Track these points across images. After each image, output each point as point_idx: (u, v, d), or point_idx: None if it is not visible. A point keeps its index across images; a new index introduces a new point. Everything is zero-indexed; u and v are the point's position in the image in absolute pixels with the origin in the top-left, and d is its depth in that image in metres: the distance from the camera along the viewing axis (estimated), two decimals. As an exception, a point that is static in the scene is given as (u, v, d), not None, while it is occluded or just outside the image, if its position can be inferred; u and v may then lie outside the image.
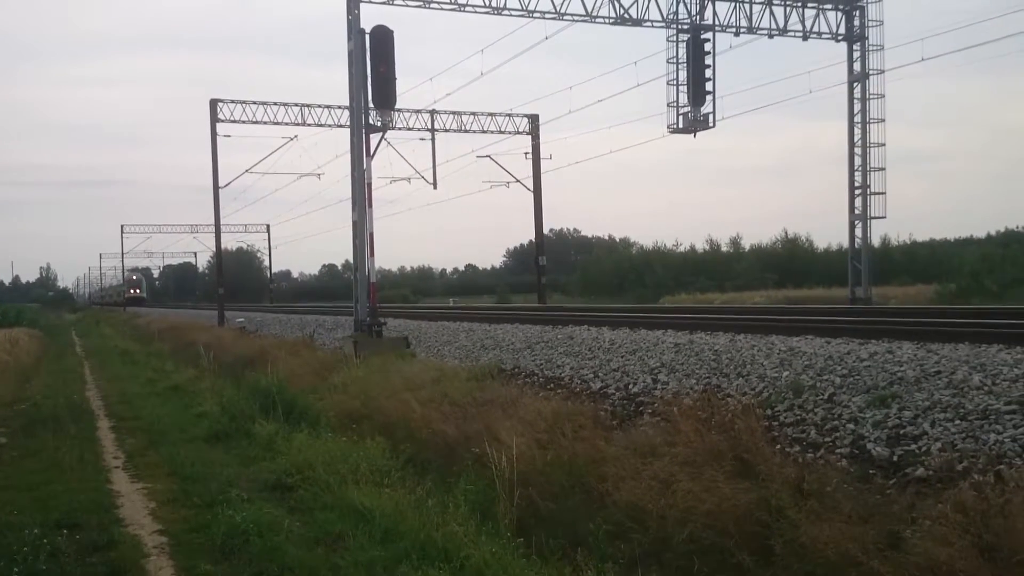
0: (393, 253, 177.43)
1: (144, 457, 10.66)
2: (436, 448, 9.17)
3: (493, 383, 11.40)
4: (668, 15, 23.50)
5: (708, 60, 23.74)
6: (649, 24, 23.33)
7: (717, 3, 23.93)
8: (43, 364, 26.54)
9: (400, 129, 35.48)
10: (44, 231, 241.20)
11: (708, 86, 23.77)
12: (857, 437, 6.81)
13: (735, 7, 24.15)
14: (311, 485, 8.19)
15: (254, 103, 35.93)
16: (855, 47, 25.46)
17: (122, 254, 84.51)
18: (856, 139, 25.79)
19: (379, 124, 19.94)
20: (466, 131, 37.40)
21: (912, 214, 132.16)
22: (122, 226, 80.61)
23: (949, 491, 5.28)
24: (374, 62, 18.42)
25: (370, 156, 19.38)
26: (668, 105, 24.13)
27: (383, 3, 20.55)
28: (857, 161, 25.82)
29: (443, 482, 7.86)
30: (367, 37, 18.47)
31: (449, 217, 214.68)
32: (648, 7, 23.56)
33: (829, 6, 25.08)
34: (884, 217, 26.25)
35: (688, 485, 5.80)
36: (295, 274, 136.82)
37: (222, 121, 35.40)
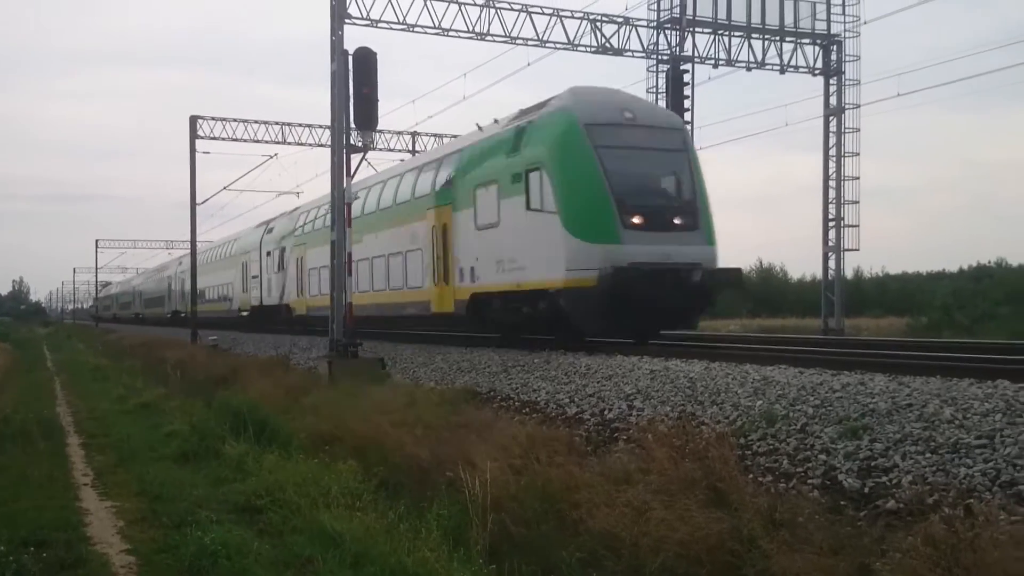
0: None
1: (113, 475, 10.54)
2: (409, 472, 9.11)
3: (468, 406, 11.37)
4: (648, 46, 23.76)
5: (687, 91, 23.98)
6: (630, 54, 23.58)
7: (697, 35, 24.23)
8: (13, 378, 26.18)
9: (381, 150, 35.57)
10: (17, 244, 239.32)
11: (687, 116, 24.00)
12: (829, 468, 6.84)
13: (714, 39, 24.46)
14: (281, 507, 8.11)
15: (234, 120, 35.89)
16: (832, 81, 25.80)
17: (96, 268, 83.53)
18: (831, 172, 26.08)
19: (360, 144, 19.95)
20: (447, 154, 37.45)
21: (885, 247, 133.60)
22: (96, 240, 79.51)
23: (919, 524, 5.31)
24: (357, 83, 18.43)
25: (350, 176, 19.37)
26: (647, 133, 24.22)
27: (367, 25, 20.64)
28: (832, 194, 26.10)
29: (416, 506, 7.81)
30: (350, 58, 18.50)
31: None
32: (629, 37, 23.83)
33: (807, 41, 25.44)
34: (857, 249, 26.57)
35: (662, 513, 5.80)
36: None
37: (201, 138, 35.28)
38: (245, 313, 38.02)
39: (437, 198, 19.43)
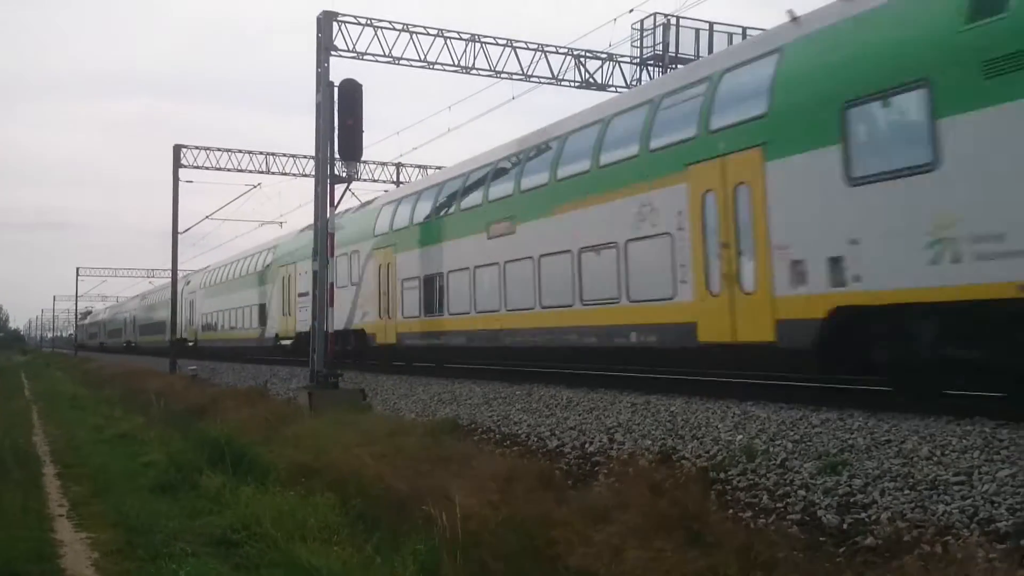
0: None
1: (89, 506, 10.41)
2: (388, 505, 9.04)
3: (449, 439, 11.32)
4: (631, 82, 23.94)
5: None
6: (613, 89, 23.73)
7: (680, 70, 24.45)
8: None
9: (365, 180, 35.66)
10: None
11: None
12: (808, 504, 6.84)
13: (698, 75, 24.64)
14: (258, 541, 8.02)
15: (218, 150, 35.91)
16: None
17: (76, 297, 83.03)
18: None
19: (344, 175, 20.01)
20: (431, 185, 37.55)
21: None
22: (77, 268, 79.23)
23: (897, 561, 5.31)
24: (341, 115, 18.54)
25: (334, 207, 19.41)
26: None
27: (352, 58, 20.73)
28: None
29: (393, 540, 7.75)
30: (335, 90, 18.61)
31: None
32: (612, 73, 24.02)
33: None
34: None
35: (639, 551, 5.78)
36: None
37: (185, 167, 35.29)
38: (287, 342, 29.57)
39: (713, 143, 12.06)
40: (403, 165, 37.03)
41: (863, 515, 6.39)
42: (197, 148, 35.60)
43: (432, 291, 20.00)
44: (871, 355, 10.22)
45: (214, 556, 7.82)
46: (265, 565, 7.43)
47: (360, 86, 18.69)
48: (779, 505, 7.00)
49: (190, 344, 44.84)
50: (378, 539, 7.75)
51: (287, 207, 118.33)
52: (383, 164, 36.73)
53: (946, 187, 8.91)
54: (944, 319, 9.17)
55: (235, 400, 18.62)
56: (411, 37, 21.37)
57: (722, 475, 7.85)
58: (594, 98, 22.26)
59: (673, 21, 23.39)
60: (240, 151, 36.21)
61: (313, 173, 20.33)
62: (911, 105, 9.36)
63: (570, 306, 15.15)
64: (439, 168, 33.77)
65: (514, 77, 22.77)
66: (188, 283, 47.28)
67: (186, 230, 37.25)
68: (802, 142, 10.64)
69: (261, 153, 36.46)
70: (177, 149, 35.30)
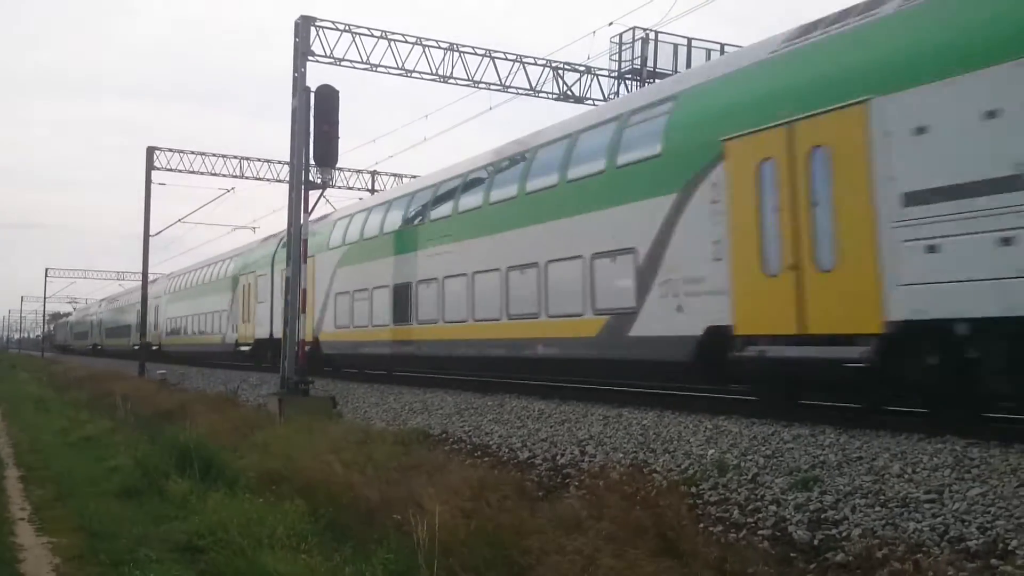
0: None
1: (52, 510, 10.24)
2: (357, 513, 8.96)
3: (420, 448, 11.26)
4: (609, 95, 24.03)
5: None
6: (590, 102, 23.81)
7: (658, 85, 24.57)
8: (-50, 408, 25.45)
9: (340, 187, 35.52)
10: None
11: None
12: (779, 519, 6.85)
13: (675, 90, 24.75)
14: (224, 548, 7.89)
15: (192, 153, 35.66)
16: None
17: (44, 298, 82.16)
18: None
19: (319, 181, 19.91)
20: (406, 193, 37.44)
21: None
22: (46, 269, 78.42)
23: (868, 578, 5.32)
24: (318, 120, 18.45)
25: (308, 212, 19.30)
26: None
27: (330, 63, 20.66)
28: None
29: (363, 549, 7.67)
30: (312, 95, 18.53)
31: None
32: (590, 86, 24.11)
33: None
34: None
35: (611, 561, 5.75)
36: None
37: (158, 169, 35.01)
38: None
39: None
40: (378, 173, 37.00)
41: (834, 531, 6.41)
42: (171, 151, 35.36)
43: None
44: None
45: (179, 562, 7.70)
46: (231, 572, 7.31)
47: (337, 92, 18.62)
48: (750, 520, 7.00)
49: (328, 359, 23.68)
50: (348, 547, 7.67)
51: (260, 212, 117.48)
52: (358, 171, 36.65)
53: None
54: None
55: (204, 405, 18.45)
56: (389, 44, 21.33)
57: (693, 489, 7.85)
58: (571, 110, 22.32)
59: (652, 36, 23.52)
60: (214, 155, 36.02)
61: (288, 179, 20.22)
62: None
63: None
64: (414, 177, 29.83)
65: (492, 87, 22.78)
66: (282, 242, 24.04)
67: (157, 233, 36.98)
68: None
69: (235, 157, 36.28)
70: (150, 151, 35.02)
